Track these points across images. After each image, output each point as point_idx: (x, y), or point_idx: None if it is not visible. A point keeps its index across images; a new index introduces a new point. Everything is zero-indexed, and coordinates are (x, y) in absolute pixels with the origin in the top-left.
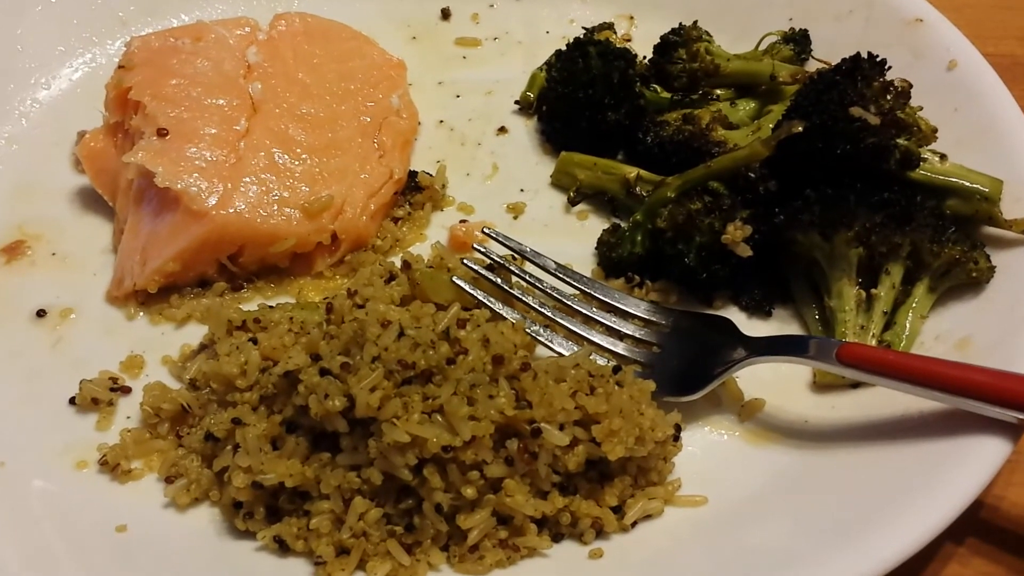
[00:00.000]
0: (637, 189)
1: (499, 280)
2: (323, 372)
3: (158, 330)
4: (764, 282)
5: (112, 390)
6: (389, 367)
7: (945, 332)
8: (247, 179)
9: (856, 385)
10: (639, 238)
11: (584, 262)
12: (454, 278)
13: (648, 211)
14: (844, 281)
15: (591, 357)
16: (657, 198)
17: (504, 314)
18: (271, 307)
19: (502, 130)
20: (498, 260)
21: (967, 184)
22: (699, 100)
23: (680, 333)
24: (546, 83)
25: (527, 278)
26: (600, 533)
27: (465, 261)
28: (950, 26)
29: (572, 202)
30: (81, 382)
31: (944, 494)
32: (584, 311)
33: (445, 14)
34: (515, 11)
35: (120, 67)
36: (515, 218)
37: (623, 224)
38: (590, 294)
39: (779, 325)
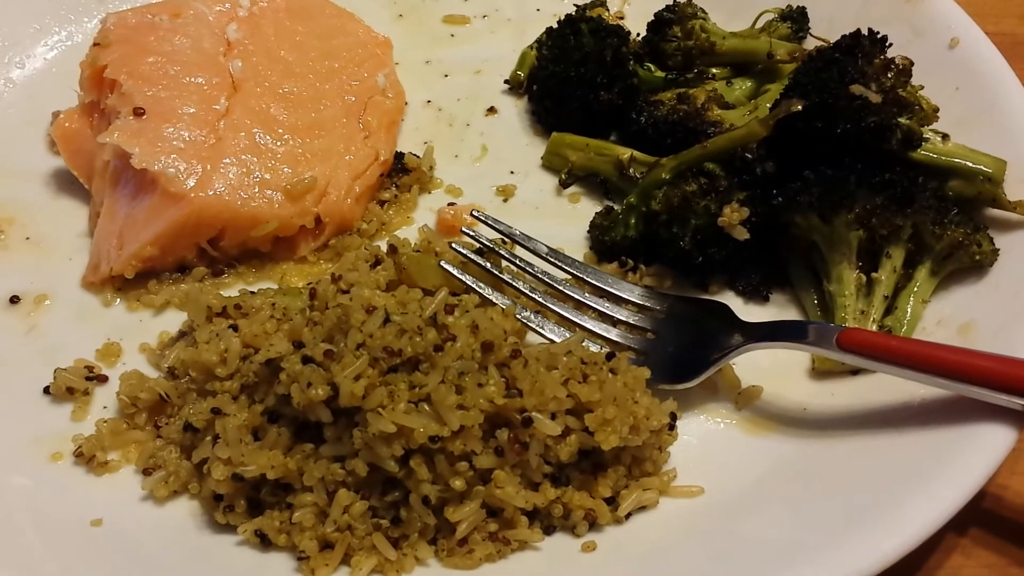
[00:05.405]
0: (631, 171)
1: (488, 264)
2: (306, 360)
3: (135, 317)
4: (761, 266)
5: (88, 379)
6: (374, 354)
7: (947, 317)
8: (227, 160)
9: (856, 372)
10: (633, 221)
11: (576, 246)
12: (442, 262)
13: (642, 193)
14: (844, 265)
15: (584, 344)
16: (651, 180)
17: (494, 299)
18: (252, 293)
19: (491, 110)
20: (487, 244)
21: (970, 164)
22: (694, 79)
23: (675, 319)
24: (537, 62)
25: (517, 262)
26: (593, 525)
27: (453, 245)
28: (951, 3)
29: (564, 184)
30: (56, 371)
31: (947, 484)
32: (576, 296)
33: None
34: None
35: (95, 44)
36: (505, 201)
37: (616, 207)
38: (582, 279)
39: (777, 310)
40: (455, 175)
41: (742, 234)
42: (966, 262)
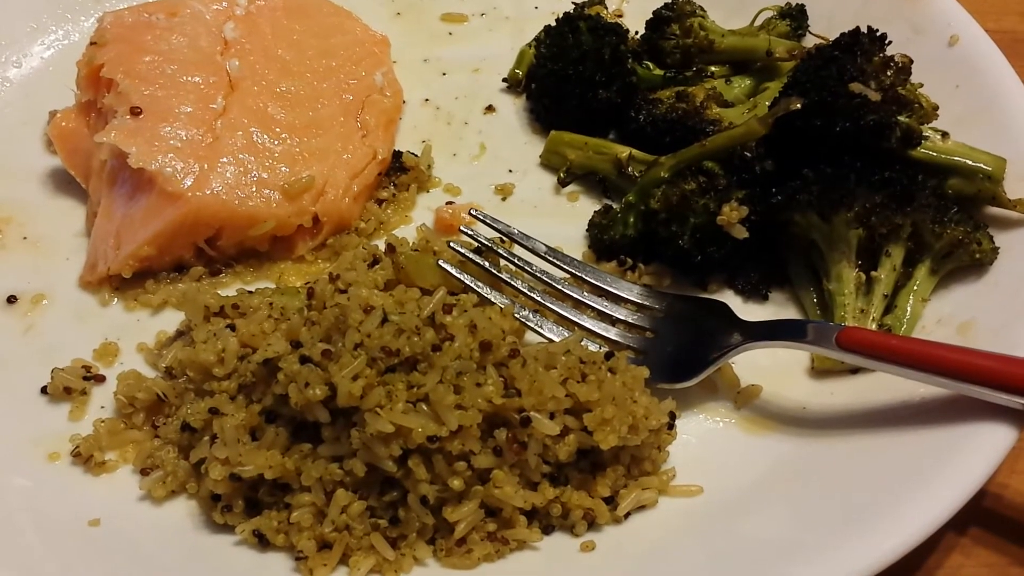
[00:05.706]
0: (629, 169)
1: (487, 264)
2: (303, 360)
3: (133, 316)
4: (761, 265)
5: (85, 379)
6: (372, 354)
7: (947, 315)
8: (224, 159)
9: (856, 371)
10: (631, 219)
11: (575, 244)
12: (440, 262)
13: (641, 192)
14: (843, 263)
15: (582, 343)
16: (650, 178)
17: (492, 299)
18: (250, 292)
19: (490, 109)
20: (486, 243)
21: (970, 163)
22: (693, 77)
23: (674, 318)
24: (535, 60)
25: (516, 261)
26: (592, 525)
27: (451, 244)
28: (951, 1)
29: (562, 183)
30: (53, 371)
31: (947, 483)
32: (575, 295)
33: None
34: None
35: (92, 43)
36: (503, 199)
37: (615, 205)
38: (581, 278)
39: (776, 309)
40: (453, 174)
41: (741, 233)
42: (966, 260)
